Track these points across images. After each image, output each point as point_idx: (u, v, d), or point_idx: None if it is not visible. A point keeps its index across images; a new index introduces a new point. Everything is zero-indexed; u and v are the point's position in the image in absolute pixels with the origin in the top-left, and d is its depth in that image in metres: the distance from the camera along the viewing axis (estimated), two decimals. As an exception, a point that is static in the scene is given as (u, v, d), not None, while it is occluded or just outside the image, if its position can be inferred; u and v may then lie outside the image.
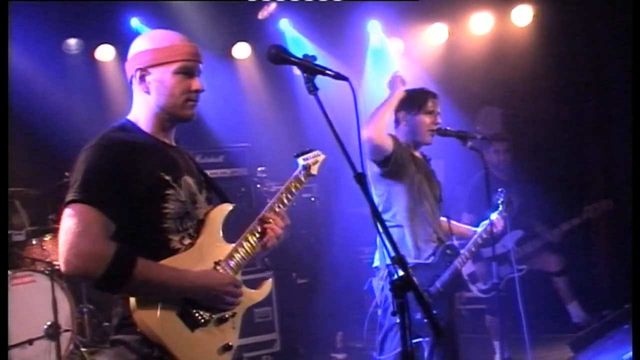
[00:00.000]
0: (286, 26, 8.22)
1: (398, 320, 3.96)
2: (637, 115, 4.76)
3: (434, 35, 8.33)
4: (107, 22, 7.75)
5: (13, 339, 5.86)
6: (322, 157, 3.20)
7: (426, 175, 4.41)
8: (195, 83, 2.67)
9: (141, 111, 2.67)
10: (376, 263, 4.34)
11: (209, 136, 7.78)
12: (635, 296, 4.00)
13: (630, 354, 4.12)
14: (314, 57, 2.45)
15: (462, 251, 4.32)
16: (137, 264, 2.37)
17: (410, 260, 4.07)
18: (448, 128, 4.46)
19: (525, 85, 7.88)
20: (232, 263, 2.68)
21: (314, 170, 3.13)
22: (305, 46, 8.15)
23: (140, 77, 2.63)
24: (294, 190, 2.99)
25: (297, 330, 7.07)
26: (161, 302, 2.44)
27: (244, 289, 2.72)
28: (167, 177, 2.56)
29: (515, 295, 5.12)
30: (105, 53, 8.09)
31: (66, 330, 6.25)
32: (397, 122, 4.46)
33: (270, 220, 2.82)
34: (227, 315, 2.62)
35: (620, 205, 6.70)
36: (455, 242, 4.56)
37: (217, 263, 2.63)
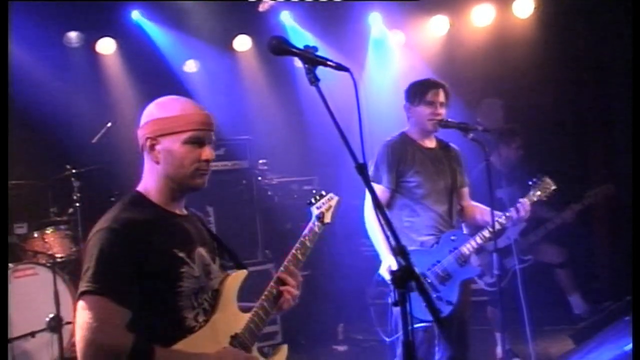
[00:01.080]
0: (287, 18, 8.21)
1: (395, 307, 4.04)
2: (638, 105, 4.76)
3: (435, 27, 8.32)
4: (108, 15, 7.74)
5: (15, 331, 5.87)
6: (335, 201, 3.16)
7: (436, 164, 4.46)
8: (206, 152, 2.58)
9: (151, 181, 2.62)
10: None
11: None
12: (636, 288, 4.01)
13: (631, 345, 4.13)
14: (315, 48, 2.44)
15: (474, 235, 4.37)
16: (155, 354, 2.35)
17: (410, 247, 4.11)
18: (449, 120, 4.47)
19: (527, 77, 7.86)
20: (248, 335, 2.66)
21: (328, 218, 3.09)
22: (307, 38, 8.14)
23: (150, 147, 2.58)
24: (308, 244, 2.96)
25: (299, 322, 7.06)
26: None
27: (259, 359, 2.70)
28: (181, 254, 2.53)
29: (517, 287, 5.12)
30: (106, 46, 8.08)
31: (68, 323, 6.25)
32: (407, 114, 4.56)
33: (286, 281, 2.81)
34: None
35: (622, 197, 6.69)
36: (465, 230, 4.59)
37: (233, 338, 2.61)
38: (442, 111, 4.44)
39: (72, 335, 6.39)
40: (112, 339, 2.32)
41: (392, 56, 8.50)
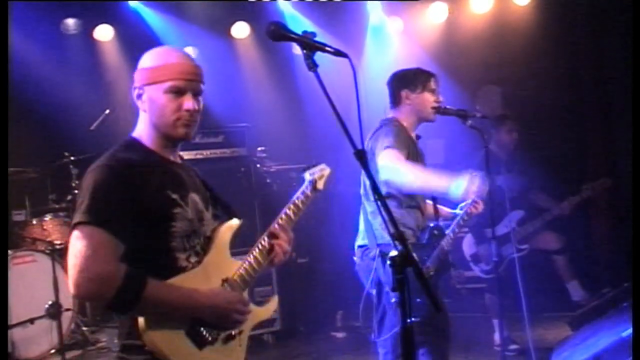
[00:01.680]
0: (285, 5, 8.19)
1: (393, 300, 4.00)
2: (638, 94, 4.75)
3: (433, 14, 8.30)
4: (106, 2, 7.73)
5: (14, 318, 5.90)
6: (327, 171, 3.24)
7: (418, 159, 4.38)
8: (188, 102, 2.59)
9: (143, 128, 2.67)
10: (363, 241, 4.30)
11: (209, 116, 7.76)
12: (635, 274, 4.02)
13: (629, 331, 4.14)
14: (313, 34, 2.44)
15: (447, 232, 4.31)
16: (147, 285, 2.38)
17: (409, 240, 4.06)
18: (448, 107, 4.45)
19: (525, 64, 7.86)
20: (239, 280, 2.69)
21: (320, 185, 3.16)
22: (305, 25, 8.12)
23: (137, 96, 2.63)
24: (300, 205, 3.00)
25: (298, 309, 7.10)
26: (169, 322, 2.46)
27: (251, 306, 2.73)
28: (174, 196, 2.56)
29: (515, 274, 5.13)
30: (103, 33, 8.07)
31: (67, 310, 6.28)
32: (398, 101, 4.43)
33: (278, 235, 2.83)
34: (234, 333, 2.64)
35: (620, 184, 6.71)
36: (441, 224, 4.55)
37: (224, 281, 2.64)
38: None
39: (71, 322, 6.43)
40: (105, 267, 2.34)
41: (391, 43, 8.49)
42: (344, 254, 7.40)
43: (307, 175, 3.13)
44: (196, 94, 2.64)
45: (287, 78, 8.26)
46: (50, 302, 6.15)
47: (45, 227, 6.62)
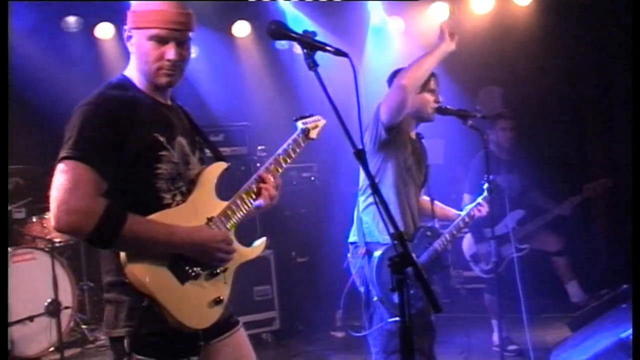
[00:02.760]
0: (286, 4, 8.18)
1: (375, 298, 3.99)
2: (638, 94, 4.75)
3: (435, 14, 8.28)
4: (107, 0, 7.70)
5: (14, 315, 5.90)
6: (322, 122, 3.20)
7: (418, 158, 4.35)
8: (170, 52, 2.58)
9: (133, 69, 2.69)
10: (353, 238, 4.26)
11: (209, 114, 7.77)
12: (635, 275, 4.01)
13: (628, 332, 4.14)
14: (314, 33, 2.44)
15: (444, 232, 4.30)
16: (127, 219, 2.39)
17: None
18: (448, 106, 4.44)
19: (526, 64, 7.85)
20: (225, 220, 2.68)
21: (314, 134, 3.13)
22: (306, 25, 8.12)
23: (127, 37, 2.65)
24: (292, 153, 3.00)
25: (297, 308, 7.10)
26: (151, 257, 2.46)
27: (237, 245, 2.72)
28: (162, 139, 2.57)
29: (515, 274, 5.13)
30: (104, 31, 8.06)
31: (66, 307, 6.29)
32: None
33: (266, 180, 2.84)
34: (218, 271, 2.62)
35: (620, 185, 6.70)
36: (437, 225, 4.52)
37: (209, 219, 2.64)
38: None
39: (71, 319, 6.43)
40: (85, 201, 2.36)
41: (392, 43, 8.48)
42: (344, 254, 7.42)
43: (300, 124, 3.11)
44: (181, 43, 2.61)
45: (287, 77, 8.25)
46: (49, 300, 6.16)
47: (44, 225, 6.63)
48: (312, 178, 7.64)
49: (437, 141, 7.49)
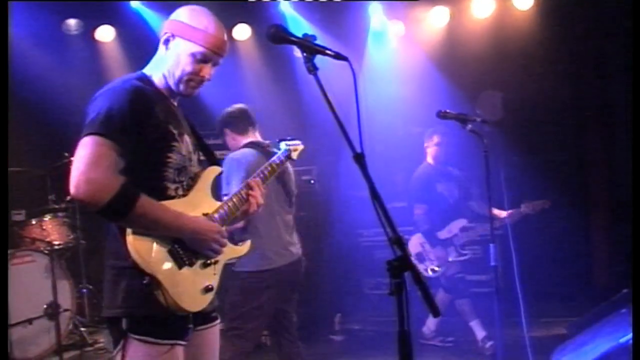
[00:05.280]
0: (287, 8, 8.19)
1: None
2: (638, 98, 4.75)
3: (435, 18, 8.30)
4: (107, 3, 7.72)
5: (13, 318, 5.88)
6: (301, 147, 3.78)
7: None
8: (206, 70, 2.83)
9: (156, 69, 2.88)
10: None
11: (210, 117, 7.76)
12: (635, 279, 4.01)
13: (627, 337, 4.14)
14: (313, 37, 2.45)
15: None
16: (140, 198, 2.57)
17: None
18: (448, 111, 4.45)
19: (526, 69, 7.87)
20: (217, 217, 2.89)
21: (295, 156, 3.72)
22: (306, 28, 8.13)
23: (165, 40, 2.84)
24: (275, 167, 3.41)
25: (296, 311, 7.09)
26: (154, 238, 2.64)
27: (228, 242, 2.92)
28: (175, 131, 2.79)
29: (514, 279, 5.13)
30: (105, 34, 8.07)
31: (65, 310, 6.28)
32: None
33: (254, 188, 3.10)
34: (210, 261, 2.82)
35: (622, 189, 6.70)
36: None
37: (205, 214, 2.85)
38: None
39: (70, 322, 6.42)
40: (104, 174, 2.53)
41: (392, 47, 8.49)
42: (343, 258, 7.43)
43: (284, 145, 3.67)
44: (215, 65, 2.87)
45: (288, 80, 8.25)
46: (48, 303, 6.15)
47: (44, 227, 6.62)
48: (312, 181, 7.63)
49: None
